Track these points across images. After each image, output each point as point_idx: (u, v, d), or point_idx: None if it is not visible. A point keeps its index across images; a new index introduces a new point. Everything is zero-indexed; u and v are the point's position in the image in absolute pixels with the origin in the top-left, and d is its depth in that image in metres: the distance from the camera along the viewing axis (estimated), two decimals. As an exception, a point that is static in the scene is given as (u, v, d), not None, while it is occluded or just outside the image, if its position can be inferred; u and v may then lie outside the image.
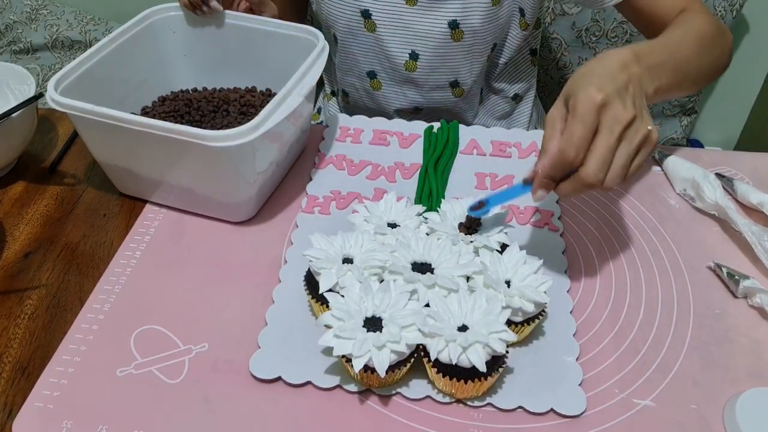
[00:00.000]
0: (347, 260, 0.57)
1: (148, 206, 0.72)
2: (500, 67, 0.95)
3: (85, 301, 0.62)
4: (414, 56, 0.88)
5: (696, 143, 1.53)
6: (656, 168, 0.78)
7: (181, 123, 0.76)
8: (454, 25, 0.84)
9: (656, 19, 0.78)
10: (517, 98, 1.00)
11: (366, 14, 0.86)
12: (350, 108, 1.00)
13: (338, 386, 0.54)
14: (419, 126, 0.83)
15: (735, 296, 0.63)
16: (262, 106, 0.73)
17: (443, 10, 0.84)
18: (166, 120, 0.67)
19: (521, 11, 0.88)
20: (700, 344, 0.59)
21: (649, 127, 0.55)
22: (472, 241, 0.59)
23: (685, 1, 0.76)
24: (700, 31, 0.71)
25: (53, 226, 0.71)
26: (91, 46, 1.13)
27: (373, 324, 0.51)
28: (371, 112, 0.96)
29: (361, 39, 0.89)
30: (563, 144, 0.53)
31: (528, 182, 0.57)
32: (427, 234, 0.61)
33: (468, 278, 0.56)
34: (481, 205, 0.60)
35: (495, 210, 0.62)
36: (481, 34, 0.86)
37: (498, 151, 0.79)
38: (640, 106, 0.56)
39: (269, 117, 0.62)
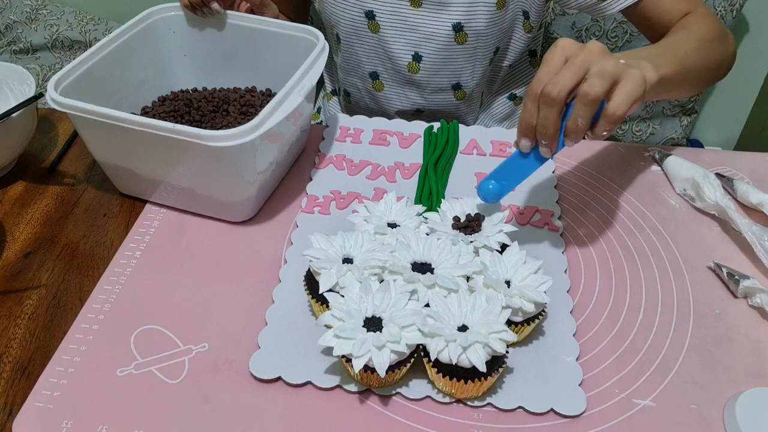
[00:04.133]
0: (347, 260, 0.57)
1: (148, 206, 0.72)
2: (503, 71, 0.95)
3: (85, 301, 0.62)
4: (417, 58, 0.88)
5: (696, 143, 1.53)
6: (656, 168, 0.78)
7: (181, 123, 0.75)
8: (458, 28, 0.84)
9: (660, 24, 0.78)
10: (517, 100, 1.00)
11: (370, 15, 0.86)
12: (351, 108, 1.00)
13: (338, 386, 0.54)
14: (419, 126, 0.83)
15: (735, 296, 0.63)
16: (262, 106, 0.73)
17: (448, 12, 0.84)
18: (166, 120, 0.67)
19: (525, 14, 0.88)
20: (700, 344, 0.59)
21: (622, 60, 0.53)
22: (472, 241, 0.59)
23: (689, 6, 0.76)
24: (699, 33, 0.71)
25: (53, 226, 0.71)
26: (91, 46, 1.13)
27: (373, 324, 0.51)
28: (373, 113, 0.96)
29: (365, 40, 0.89)
30: (530, 85, 0.54)
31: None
32: (427, 234, 0.61)
33: (468, 278, 0.56)
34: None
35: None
36: (485, 37, 0.86)
37: (498, 151, 0.79)
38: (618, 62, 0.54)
39: (269, 117, 0.62)
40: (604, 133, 0.53)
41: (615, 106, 0.52)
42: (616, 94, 0.52)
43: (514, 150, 0.59)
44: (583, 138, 0.55)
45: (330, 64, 1.02)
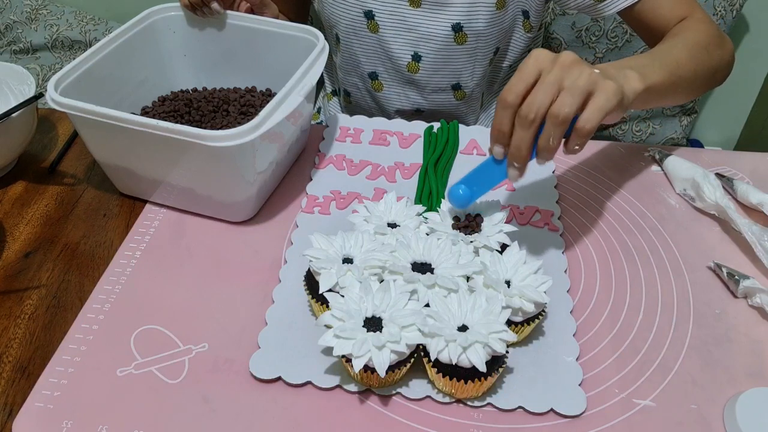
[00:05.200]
0: (347, 260, 0.57)
1: (148, 206, 0.72)
2: (503, 71, 0.95)
3: (85, 301, 0.62)
4: (416, 58, 0.88)
5: (696, 143, 1.53)
6: (656, 168, 0.78)
7: (181, 123, 0.76)
8: (457, 28, 0.84)
9: (657, 28, 0.77)
10: None
11: (369, 15, 0.86)
12: (351, 108, 1.00)
13: (338, 386, 0.54)
14: (419, 126, 0.83)
15: (735, 296, 0.63)
16: (262, 106, 0.73)
17: (447, 12, 0.84)
18: (166, 120, 0.67)
19: (525, 14, 0.88)
20: (700, 344, 0.59)
21: (597, 71, 0.53)
22: (472, 241, 0.59)
23: (686, 10, 0.76)
24: (694, 38, 0.70)
25: (53, 226, 0.71)
26: (91, 46, 1.13)
27: (373, 324, 0.51)
28: (373, 113, 0.96)
29: (364, 40, 0.89)
30: (502, 92, 0.53)
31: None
32: (427, 234, 0.61)
33: (468, 278, 0.56)
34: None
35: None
36: (484, 37, 0.86)
37: (498, 151, 0.79)
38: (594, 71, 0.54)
39: (269, 117, 0.62)
40: (576, 147, 0.54)
41: (585, 120, 0.52)
42: (587, 108, 0.52)
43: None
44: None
45: (330, 64, 1.02)
